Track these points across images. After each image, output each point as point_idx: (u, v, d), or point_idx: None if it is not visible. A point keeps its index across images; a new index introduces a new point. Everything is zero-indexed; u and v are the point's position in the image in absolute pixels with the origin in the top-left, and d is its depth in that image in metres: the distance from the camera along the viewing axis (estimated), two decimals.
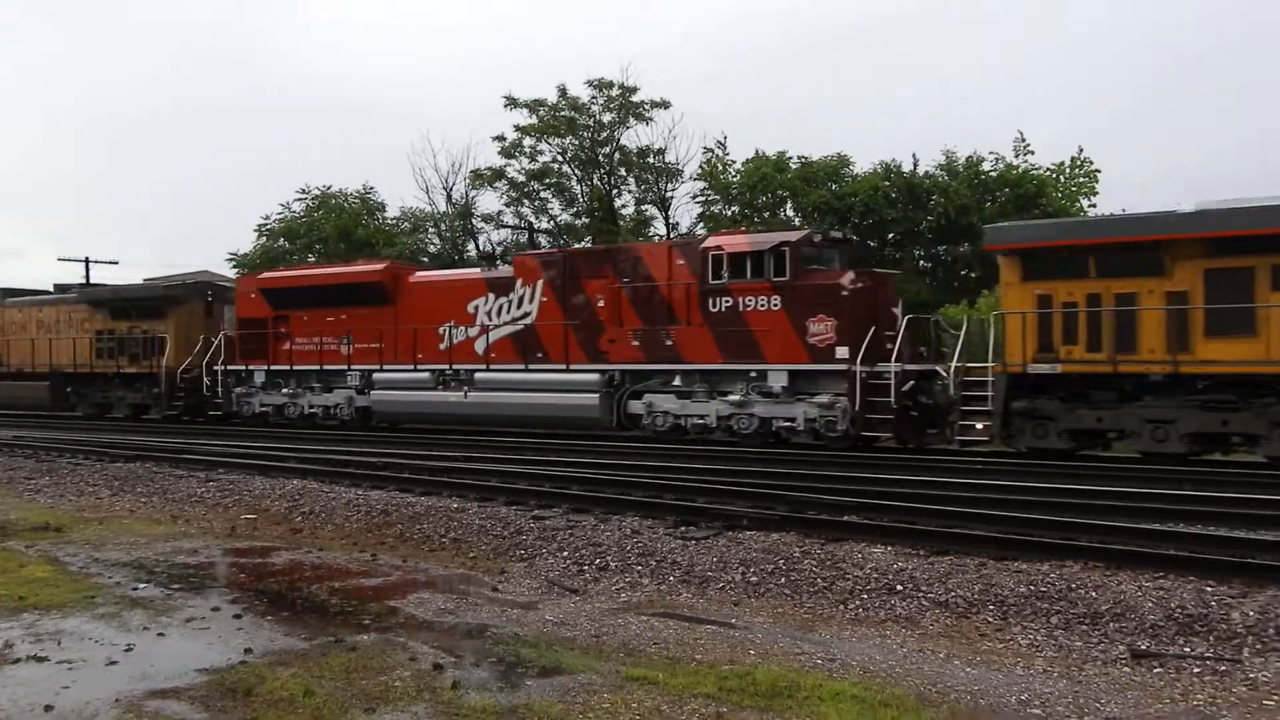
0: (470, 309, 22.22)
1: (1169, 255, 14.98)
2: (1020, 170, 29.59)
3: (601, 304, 20.32)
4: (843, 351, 17.42)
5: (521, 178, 37.32)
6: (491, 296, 21.95)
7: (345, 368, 24.06)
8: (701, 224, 34.30)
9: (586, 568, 9.68)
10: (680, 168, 35.89)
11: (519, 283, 21.63)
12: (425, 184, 42.39)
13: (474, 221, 38.71)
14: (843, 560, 8.97)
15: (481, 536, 11.05)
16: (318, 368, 24.64)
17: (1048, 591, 7.83)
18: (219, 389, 26.24)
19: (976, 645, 7.17)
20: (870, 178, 30.67)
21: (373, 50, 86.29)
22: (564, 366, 20.61)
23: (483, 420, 21.89)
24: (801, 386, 18.03)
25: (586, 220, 36.86)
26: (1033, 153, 30.17)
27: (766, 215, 32.66)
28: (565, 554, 10.08)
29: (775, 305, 18.14)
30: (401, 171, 66.38)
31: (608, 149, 36.67)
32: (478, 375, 21.73)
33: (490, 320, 21.86)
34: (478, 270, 24.19)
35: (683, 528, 10.49)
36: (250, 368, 25.81)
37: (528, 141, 36.96)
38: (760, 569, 9.01)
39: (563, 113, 36.03)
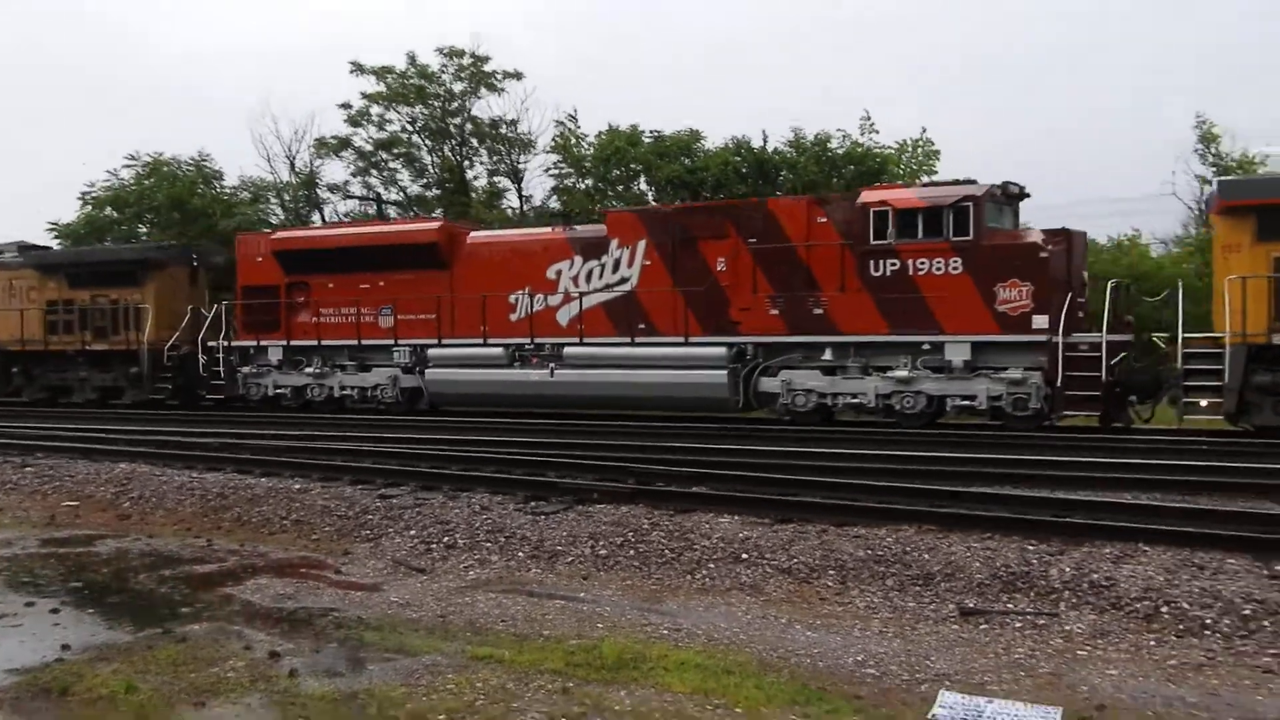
0: (551, 274, 19.31)
1: None
2: (864, 148, 30.52)
3: (723, 268, 17.77)
4: (1040, 320, 15.46)
5: (369, 147, 36.16)
6: (579, 259, 19.08)
7: (391, 342, 20.76)
8: (555, 196, 34.07)
9: (434, 546, 9.51)
10: (533, 139, 35.48)
11: (614, 243, 18.79)
12: (267, 152, 40.27)
13: (319, 191, 37.35)
14: (691, 531, 9.08)
15: (325, 518, 10.71)
16: (354, 342, 21.23)
17: (884, 555, 8.13)
18: (220, 369, 22.54)
19: (817, 609, 7.39)
20: (721, 153, 31.01)
21: (209, 20, 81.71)
22: (683, 339, 17.93)
23: (573, 402, 19.15)
24: (981, 360, 16.07)
25: (438, 192, 36.06)
26: (878, 131, 31.10)
27: (620, 188, 32.69)
28: (412, 533, 9.88)
29: (956, 268, 15.97)
30: (240, 140, 63.10)
31: (459, 119, 35.90)
32: (568, 350, 18.88)
33: (577, 287, 19.08)
34: (557, 229, 20.68)
35: (533, 503, 10.42)
36: (262, 343, 22.26)
37: (375, 110, 35.79)
38: (610, 542, 9.04)
39: (412, 80, 35.06)
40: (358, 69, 35.04)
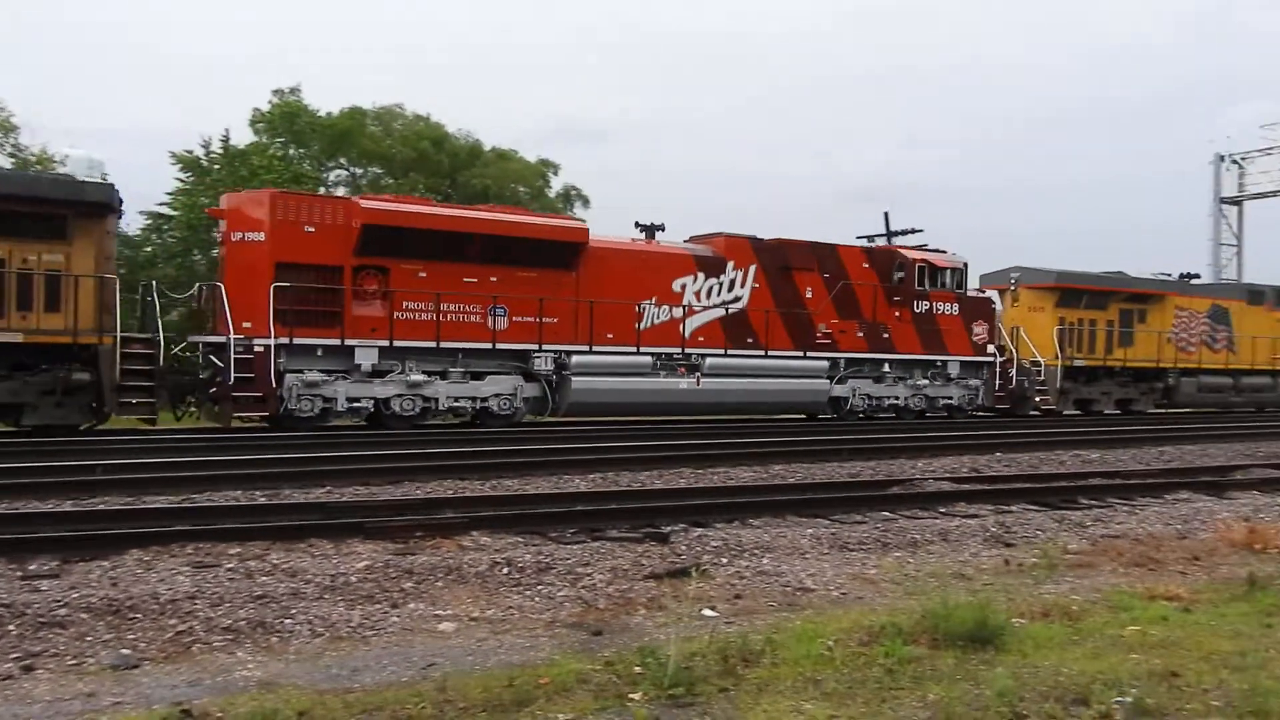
0: (676, 287, 21.22)
1: (1112, 301, 28.45)
2: None
3: (810, 295, 22.66)
4: (991, 348, 25.29)
5: None
6: (701, 276, 21.50)
7: (534, 347, 19.28)
8: None
9: None
10: None
11: (730, 264, 21.84)
12: None
13: None
14: None
15: None
16: (486, 346, 18.80)
17: None
18: (270, 376, 16.84)
19: None
20: None
21: None
22: (801, 354, 22.40)
23: (710, 409, 21.71)
24: (958, 374, 24.72)
25: None
26: None
27: None
28: None
29: (954, 311, 24.66)
30: None
31: None
32: (711, 360, 21.22)
33: (700, 301, 21.40)
34: (680, 245, 22.23)
35: None
36: (348, 342, 17.63)
37: None
38: None
39: None
40: None
